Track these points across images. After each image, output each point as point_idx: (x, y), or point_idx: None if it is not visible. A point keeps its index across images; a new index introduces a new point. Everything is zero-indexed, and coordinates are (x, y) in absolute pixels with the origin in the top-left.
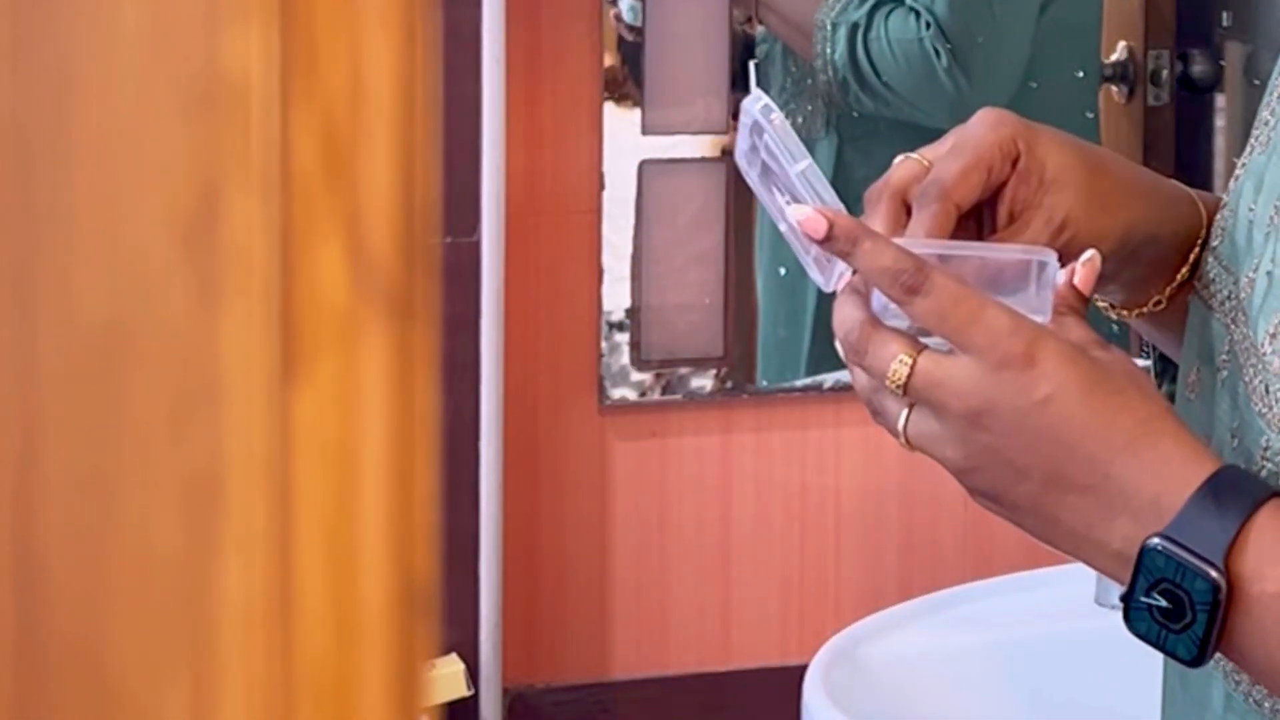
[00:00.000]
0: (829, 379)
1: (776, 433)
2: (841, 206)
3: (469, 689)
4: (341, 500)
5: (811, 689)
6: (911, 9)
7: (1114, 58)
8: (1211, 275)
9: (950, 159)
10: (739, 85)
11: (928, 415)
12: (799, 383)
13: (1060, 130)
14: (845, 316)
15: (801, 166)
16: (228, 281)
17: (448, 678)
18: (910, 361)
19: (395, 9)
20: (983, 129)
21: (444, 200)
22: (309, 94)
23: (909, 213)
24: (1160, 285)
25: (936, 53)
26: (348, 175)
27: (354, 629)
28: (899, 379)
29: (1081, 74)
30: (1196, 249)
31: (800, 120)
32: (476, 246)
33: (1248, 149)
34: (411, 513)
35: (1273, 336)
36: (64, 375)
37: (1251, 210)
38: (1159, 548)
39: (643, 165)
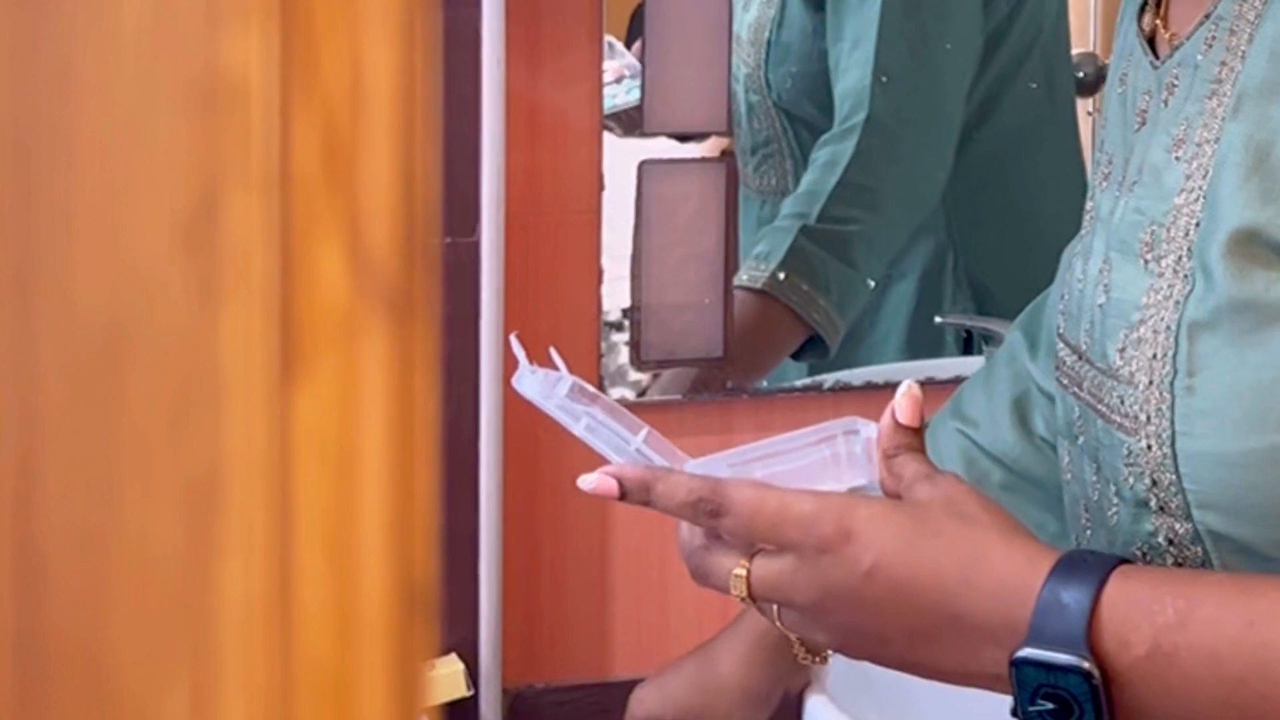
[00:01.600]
0: (828, 379)
1: (776, 433)
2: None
3: (469, 689)
4: (341, 500)
5: (811, 689)
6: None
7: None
8: (1061, 357)
9: None
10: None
11: (785, 609)
12: (799, 382)
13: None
14: (681, 543)
15: (642, 436)
16: (228, 281)
17: (448, 678)
18: (745, 573)
19: (395, 9)
20: None
21: (444, 200)
22: (309, 94)
23: None
24: None
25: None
26: (348, 175)
27: (354, 629)
28: (741, 591)
29: (1081, 74)
30: None
31: (773, 183)
32: (476, 246)
33: (1076, 239)
34: (411, 513)
35: (1121, 351)
36: (64, 375)
37: (1080, 281)
38: (1027, 658)
39: (642, 165)
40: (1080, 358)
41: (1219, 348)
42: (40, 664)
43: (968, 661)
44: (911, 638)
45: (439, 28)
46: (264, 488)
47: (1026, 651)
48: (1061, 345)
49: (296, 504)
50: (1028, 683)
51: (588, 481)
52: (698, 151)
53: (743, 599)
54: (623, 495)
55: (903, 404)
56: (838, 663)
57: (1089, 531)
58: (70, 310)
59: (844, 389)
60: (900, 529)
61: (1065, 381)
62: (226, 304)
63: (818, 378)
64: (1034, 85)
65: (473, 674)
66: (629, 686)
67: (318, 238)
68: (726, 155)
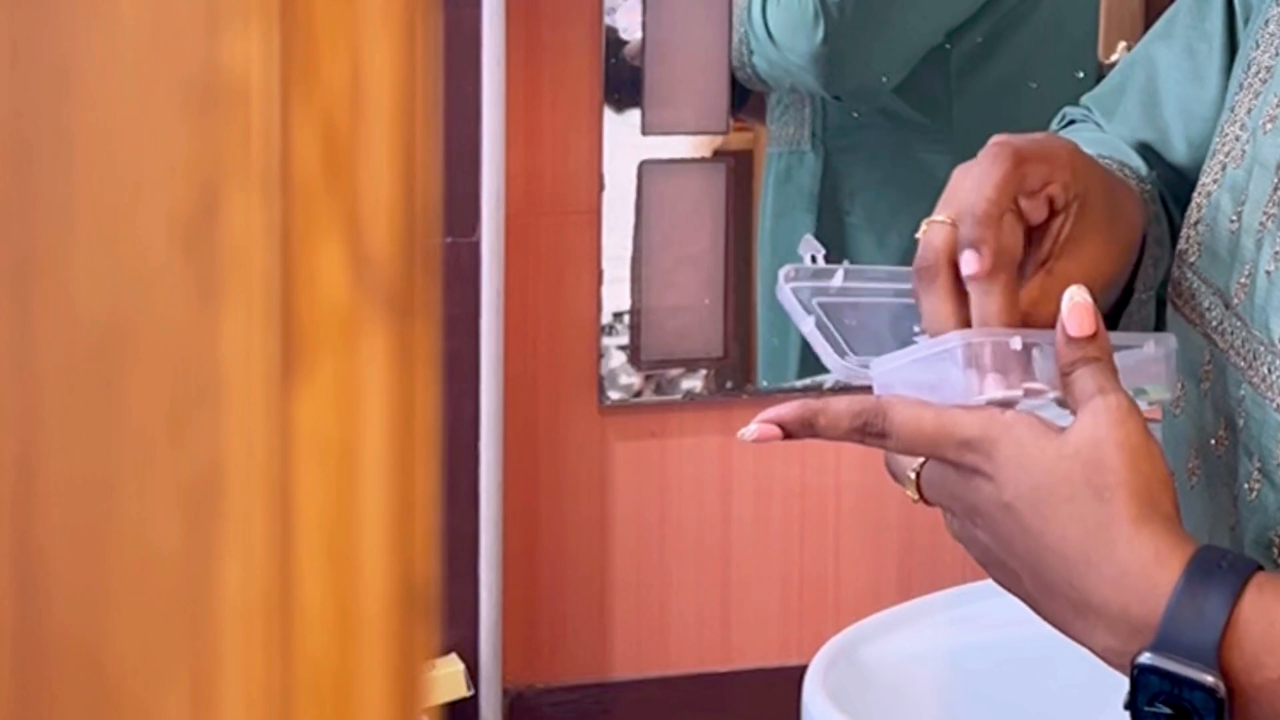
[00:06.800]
0: (828, 379)
1: None
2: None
3: (469, 689)
4: (341, 500)
5: (811, 689)
6: None
7: (1114, 58)
8: (1192, 289)
9: (973, 196)
10: (737, 98)
11: (949, 518)
12: (798, 383)
13: (1067, 142)
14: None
15: (809, 326)
16: (228, 281)
17: (448, 678)
18: (915, 475)
19: (395, 9)
20: (990, 166)
21: (444, 200)
22: (309, 94)
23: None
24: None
25: (817, 13)
26: (348, 175)
27: (354, 629)
28: (912, 493)
29: (1081, 74)
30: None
31: (790, 132)
32: (476, 246)
33: (1218, 165)
34: (411, 513)
35: None
36: (64, 375)
37: (1234, 221)
38: (1150, 665)
39: (642, 166)
40: (1228, 308)
41: None
42: (40, 664)
43: (1078, 630)
44: (1037, 585)
45: (439, 28)
46: (264, 488)
47: (1152, 658)
48: (1194, 279)
49: (296, 504)
50: (1147, 688)
51: (748, 432)
52: (697, 151)
53: (915, 500)
54: (788, 435)
55: (1071, 318)
56: (837, 663)
57: (1195, 479)
58: (70, 310)
59: (844, 388)
60: (1036, 481)
61: (1196, 320)
62: (226, 304)
63: (817, 378)
64: (1034, 85)
65: (473, 674)
66: (629, 686)
67: (318, 238)
68: (726, 155)
